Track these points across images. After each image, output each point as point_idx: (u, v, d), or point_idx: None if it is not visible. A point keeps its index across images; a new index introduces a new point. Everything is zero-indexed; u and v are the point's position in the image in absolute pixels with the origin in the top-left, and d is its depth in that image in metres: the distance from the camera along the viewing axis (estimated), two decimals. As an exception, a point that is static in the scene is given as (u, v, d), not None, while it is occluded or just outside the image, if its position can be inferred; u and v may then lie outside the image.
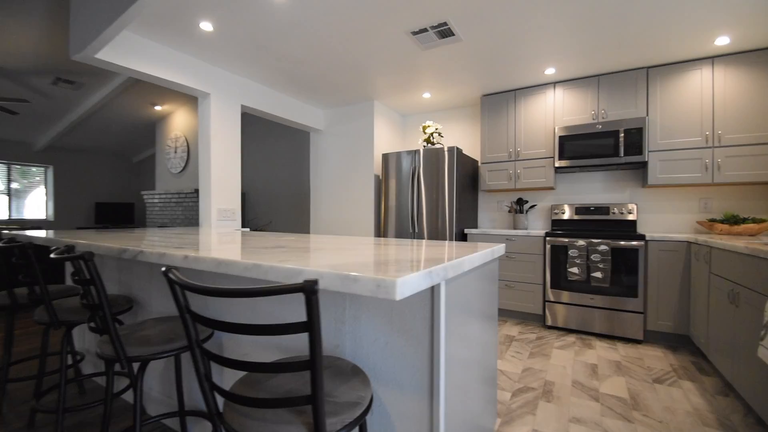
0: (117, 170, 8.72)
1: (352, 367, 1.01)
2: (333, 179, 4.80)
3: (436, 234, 3.90)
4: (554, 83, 3.80)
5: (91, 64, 2.76)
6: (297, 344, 1.35)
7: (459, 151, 3.82)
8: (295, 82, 3.90)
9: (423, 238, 3.97)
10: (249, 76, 3.71)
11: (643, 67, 3.43)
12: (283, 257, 1.07)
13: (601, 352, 2.95)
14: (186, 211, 6.34)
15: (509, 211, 4.29)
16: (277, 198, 6.17)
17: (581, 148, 3.58)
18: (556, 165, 3.68)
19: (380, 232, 4.54)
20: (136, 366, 2.01)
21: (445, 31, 2.78)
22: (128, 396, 2.06)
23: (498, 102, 4.09)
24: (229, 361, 0.75)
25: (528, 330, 3.47)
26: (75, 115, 6.19)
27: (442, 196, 3.86)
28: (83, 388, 2.21)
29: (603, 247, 3.23)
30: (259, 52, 3.18)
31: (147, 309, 1.94)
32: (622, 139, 3.41)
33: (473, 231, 3.91)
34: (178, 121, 6.66)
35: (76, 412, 1.96)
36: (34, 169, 7.74)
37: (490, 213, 4.50)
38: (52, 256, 1.22)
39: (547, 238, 3.50)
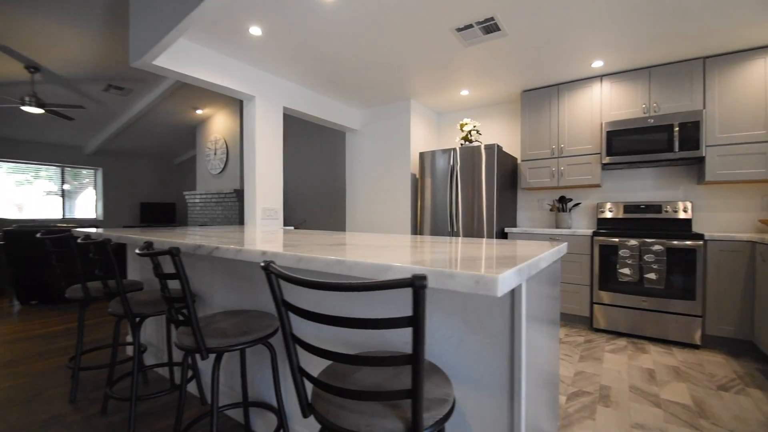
0: (159, 172, 9.14)
1: (430, 365, 1.01)
2: (369, 178, 4.83)
3: (474, 233, 3.84)
4: (601, 76, 3.66)
5: (149, 70, 2.90)
6: (362, 339, 1.37)
7: (499, 148, 3.76)
8: (334, 83, 3.95)
9: (461, 236, 3.93)
10: (290, 78, 3.79)
11: (699, 58, 3.24)
12: (358, 253, 1.08)
13: (656, 356, 2.82)
14: (225, 211, 6.56)
15: (551, 210, 4.17)
16: (309, 197, 6.28)
17: (631, 143, 3.43)
18: (603, 161, 3.55)
19: (416, 230, 4.53)
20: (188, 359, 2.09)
21: (491, 27, 2.73)
22: (191, 387, 2.16)
23: (539, 97, 3.98)
24: (330, 353, 0.76)
25: (574, 332, 3.36)
26: (123, 119, 6.54)
27: (481, 195, 3.80)
28: (146, 378, 2.33)
29: (657, 247, 3.08)
30: (301, 54, 3.24)
31: (208, 303, 2.02)
32: (676, 134, 3.24)
33: (514, 230, 3.83)
34: (217, 124, 6.90)
35: (143, 400, 2.06)
36: (84, 171, 8.24)
37: (530, 212, 4.39)
38: (137, 252, 1.29)
39: (595, 238, 3.38)
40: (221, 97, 6.22)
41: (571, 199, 3.93)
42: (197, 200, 7.11)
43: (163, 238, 1.71)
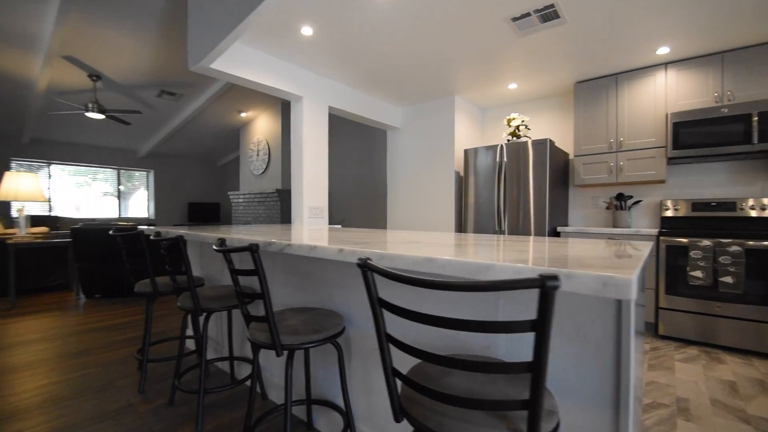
0: (204, 173, 9.54)
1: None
2: (411, 176, 4.77)
3: (522, 231, 3.69)
4: (666, 64, 3.40)
5: (206, 74, 3.00)
6: (436, 341, 1.31)
7: (551, 143, 3.58)
8: (378, 81, 3.92)
9: (511, 234, 3.78)
10: (336, 77, 3.80)
11: (784, 38, 2.93)
12: (439, 251, 1.03)
13: (735, 367, 2.57)
14: (267, 210, 6.73)
15: (607, 208, 3.93)
16: (347, 197, 6.31)
17: (701, 135, 3.16)
18: (669, 155, 3.29)
19: (461, 229, 4.42)
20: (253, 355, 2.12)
21: (549, 14, 2.60)
22: (249, 381, 2.19)
23: (595, 88, 3.76)
24: (433, 356, 0.72)
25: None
26: (174, 124, 6.87)
27: (530, 192, 3.64)
28: (208, 371, 2.40)
29: (735, 248, 2.81)
30: (349, 52, 3.24)
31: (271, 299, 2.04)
32: (755, 124, 2.95)
33: (567, 229, 3.64)
34: (260, 126, 7.09)
35: (208, 393, 2.12)
36: (137, 173, 8.74)
37: (583, 210, 4.16)
38: (215, 248, 1.31)
39: (661, 238, 3.14)
40: (264, 99, 6.38)
41: (631, 196, 3.68)
42: (241, 200, 7.35)
43: (229, 234, 1.74)
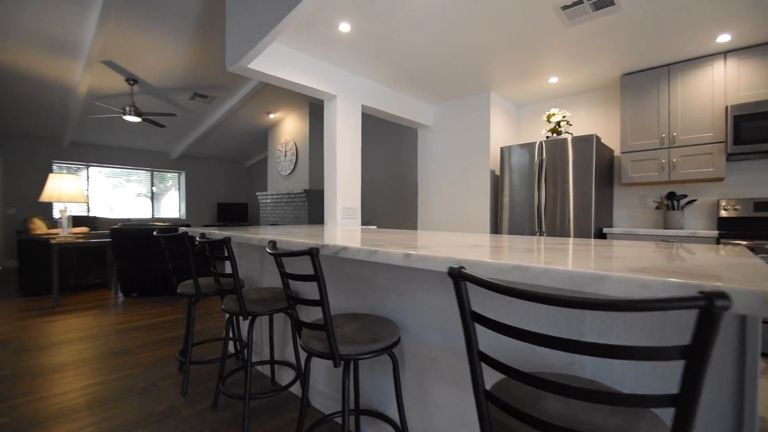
0: (232, 174, 9.69)
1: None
2: (443, 176, 4.65)
3: (564, 233, 3.51)
4: (726, 53, 3.15)
5: (243, 74, 2.98)
6: (511, 355, 1.20)
7: (598, 139, 3.39)
8: (412, 79, 3.82)
9: (549, 236, 3.60)
10: (369, 75, 3.73)
11: None
12: (524, 258, 0.92)
13: (815, 384, 2.33)
14: (295, 210, 6.75)
15: (657, 208, 3.69)
16: (375, 196, 6.23)
17: (765, 129, 2.90)
18: (729, 151, 3.05)
19: (497, 230, 4.27)
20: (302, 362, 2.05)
21: (603, 1, 2.43)
22: (292, 387, 2.14)
23: (645, 81, 3.53)
24: (558, 385, 0.61)
25: (696, 348, 2.91)
26: (205, 126, 6.99)
27: (574, 191, 3.46)
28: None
29: (812, 252, 2.55)
30: (385, 48, 3.15)
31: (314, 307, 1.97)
32: (833, 115, 2.67)
33: (614, 230, 3.43)
34: (288, 126, 7.12)
35: (252, 398, 2.07)
36: (169, 174, 8.96)
37: (629, 210, 3.93)
38: (269, 251, 1.24)
39: (722, 240, 2.90)
40: (292, 100, 6.40)
41: (685, 195, 3.44)
42: (269, 200, 7.40)
43: (272, 236, 1.68)
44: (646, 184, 3.75)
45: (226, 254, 1.87)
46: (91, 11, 3.67)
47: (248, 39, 2.65)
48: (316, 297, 1.97)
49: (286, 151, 7.14)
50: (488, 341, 1.25)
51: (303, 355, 2.07)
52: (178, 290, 2.17)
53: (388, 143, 6.00)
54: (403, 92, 4.25)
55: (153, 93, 5.57)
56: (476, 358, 0.75)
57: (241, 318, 2.49)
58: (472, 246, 1.26)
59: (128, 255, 4.32)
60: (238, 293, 1.67)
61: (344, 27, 2.76)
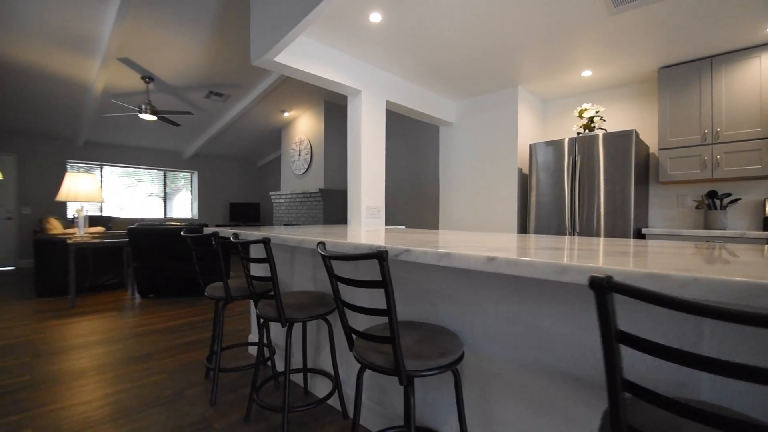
0: (244, 174, 9.62)
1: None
2: (466, 174, 4.50)
3: (599, 232, 3.34)
4: (776, 42, 2.97)
5: (267, 68, 2.87)
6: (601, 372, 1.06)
7: (637, 135, 3.22)
8: (437, 73, 3.69)
9: (583, 236, 3.44)
10: (394, 70, 3.60)
11: None
12: (619, 262, 0.78)
13: None
14: (310, 210, 6.64)
15: (697, 207, 3.51)
16: (393, 195, 6.09)
17: (823, 123, 2.72)
18: (781, 147, 2.86)
19: (525, 230, 4.11)
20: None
21: (655, -14, 2.27)
22: (332, 399, 2.01)
23: (686, 73, 3.36)
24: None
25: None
26: (219, 125, 6.91)
27: (611, 189, 3.29)
28: (278, 383, 2.24)
29: None
30: (413, 40, 3.02)
31: (354, 314, 1.85)
32: None
33: (654, 230, 3.26)
34: (302, 125, 7.02)
35: (290, 411, 1.95)
36: (181, 174, 8.91)
37: (665, 209, 3.75)
38: (322, 253, 1.12)
39: (777, 241, 2.72)
40: (307, 98, 6.29)
41: (729, 194, 3.25)
42: (282, 200, 7.31)
43: (308, 236, 1.56)
44: (684, 183, 3.57)
45: (262, 256, 1.74)
46: (109, 6, 3.59)
47: (275, 31, 2.53)
48: (368, 303, 1.84)
49: (300, 150, 7.04)
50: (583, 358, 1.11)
51: (345, 365, 1.94)
52: (207, 293, 2.06)
53: (406, 140, 5.87)
54: (427, 88, 4.11)
55: (168, 91, 5.50)
56: (619, 385, 0.61)
57: (270, 322, 2.37)
58: (553, 248, 1.12)
59: (146, 255, 4.24)
60: (278, 298, 1.54)
61: (375, 17, 2.63)
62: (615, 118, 4.04)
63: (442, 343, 1.18)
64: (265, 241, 1.49)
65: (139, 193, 8.42)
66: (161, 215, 8.62)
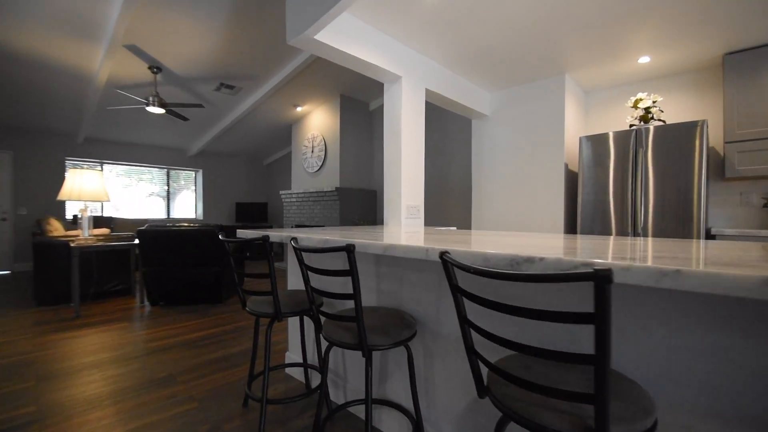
0: (250, 172, 9.26)
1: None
2: (504, 171, 4.18)
3: (664, 233, 3.04)
4: None
5: (304, 48, 2.53)
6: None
7: (706, 126, 2.92)
8: (477, 60, 3.37)
9: (647, 237, 3.14)
10: (434, 56, 3.27)
11: None
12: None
13: None
14: (324, 210, 6.30)
15: (764, 206, 3.21)
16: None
17: None
18: None
19: (573, 230, 3.80)
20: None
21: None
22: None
23: (756, 60, 3.05)
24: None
25: None
26: (227, 120, 6.55)
27: (676, 186, 2.99)
28: (331, 415, 1.90)
29: None
30: (462, 21, 2.70)
31: (433, 330, 1.52)
32: None
33: (726, 231, 2.96)
34: (315, 120, 6.67)
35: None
36: (183, 173, 8.52)
37: (727, 208, 3.45)
38: (458, 266, 0.78)
39: None
40: (321, 92, 5.95)
41: (810, 191, 2.96)
42: (293, 199, 6.96)
43: (412, 243, 1.23)
44: (749, 179, 3.28)
45: (326, 266, 1.41)
46: (117, -16, 3.23)
47: (317, 5, 2.20)
48: (427, 320, 1.51)
49: (313, 147, 6.69)
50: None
51: (425, 398, 1.61)
52: (247, 309, 1.72)
53: (431, 134, 5.54)
54: (465, 77, 3.79)
55: (176, 83, 5.13)
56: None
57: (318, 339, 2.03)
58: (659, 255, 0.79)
59: (156, 259, 3.88)
60: (360, 324, 1.21)
61: (431, -11, 2.31)
62: (668, 110, 3.74)
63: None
64: (350, 249, 1.16)
65: (139, 193, 8.03)
66: (163, 215, 8.24)
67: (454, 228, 2.84)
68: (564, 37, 2.99)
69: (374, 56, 2.78)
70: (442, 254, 0.91)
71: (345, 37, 2.56)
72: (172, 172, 8.38)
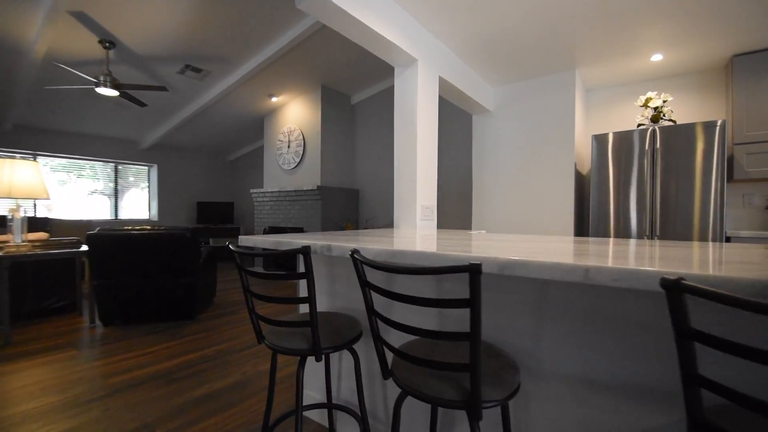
0: (213, 169, 8.45)
1: None
2: (509, 170, 3.96)
3: (680, 235, 2.96)
4: None
5: (315, 14, 2.10)
6: None
7: (723, 126, 2.86)
8: (485, 49, 3.12)
9: (664, 239, 3.03)
10: (449, 40, 2.97)
11: None
12: None
13: None
14: (304, 211, 5.79)
15: (767, 208, 3.24)
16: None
17: None
18: None
19: (583, 233, 3.65)
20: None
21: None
22: None
23: (766, 62, 3.05)
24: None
25: None
26: (191, 109, 5.83)
27: (691, 187, 2.92)
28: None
29: None
30: (474, 4, 2.41)
31: (531, 367, 1.18)
32: None
33: (742, 233, 2.92)
34: (292, 113, 6.14)
35: None
36: (133, 168, 7.57)
37: (730, 209, 3.46)
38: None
39: None
40: (300, 81, 5.45)
41: (817, 194, 2.99)
42: (266, 199, 6.37)
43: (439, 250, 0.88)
44: (752, 181, 3.29)
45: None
46: (64, -71, 2.59)
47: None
48: (525, 356, 1.17)
49: (289, 142, 6.14)
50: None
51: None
52: (266, 343, 1.28)
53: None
54: (472, 68, 3.52)
55: (132, 62, 4.41)
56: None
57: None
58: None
59: (111, 269, 3.23)
60: (476, 370, 0.84)
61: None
62: (675, 111, 3.70)
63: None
64: (475, 270, 0.79)
65: (78, 191, 6.96)
66: (109, 216, 7.25)
67: (484, 231, 2.53)
68: (578, 28, 2.80)
69: (392, 33, 2.41)
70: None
71: (363, 5, 2.16)
72: (121, 167, 7.41)
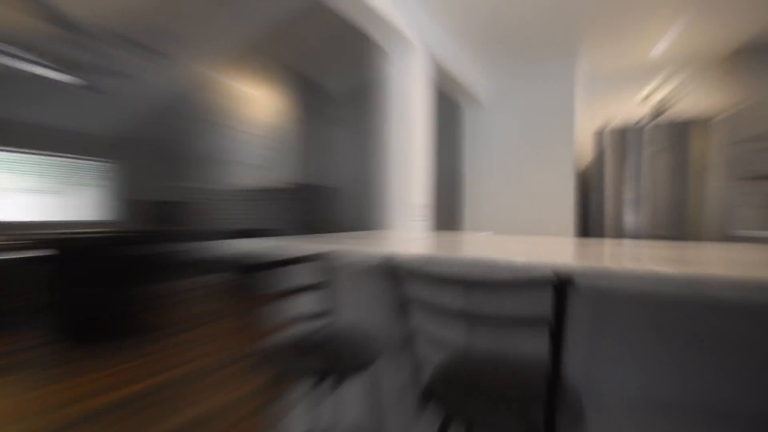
0: (165, 164, 7.74)
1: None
2: (504, 167, 3.73)
3: (690, 235, 2.85)
4: None
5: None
6: None
7: (730, 122, 2.74)
8: (479, 33, 2.89)
9: (673, 240, 2.91)
10: (446, 21, 2.71)
11: None
12: None
13: None
14: (275, 211, 5.40)
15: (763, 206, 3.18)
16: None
17: None
18: None
19: (585, 233, 3.49)
20: None
21: None
22: None
23: (764, 55, 2.98)
24: None
25: None
26: (146, 96, 5.28)
27: (701, 185, 2.80)
28: None
29: None
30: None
31: (607, 396, 0.94)
32: None
33: (745, 233, 2.83)
34: (263, 102, 5.70)
35: None
36: (90, 164, 6.86)
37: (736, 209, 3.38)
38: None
39: None
40: (272, 68, 5.03)
41: (815, 191, 2.94)
42: (228, 198, 5.91)
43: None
44: (752, 180, 3.22)
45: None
46: None
47: None
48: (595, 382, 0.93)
49: (258, 134, 5.71)
50: None
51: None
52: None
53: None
54: (466, 55, 3.27)
55: (83, 42, 3.89)
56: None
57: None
58: None
59: (63, 278, 2.79)
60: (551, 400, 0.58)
61: None
62: (680, 104, 3.57)
63: None
64: (563, 281, 0.52)
65: (10, 189, 6.08)
66: (48, 218, 6.40)
67: (491, 232, 2.30)
68: (583, 9, 2.60)
69: (388, 6, 2.11)
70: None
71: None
72: (63, 163, 6.64)
